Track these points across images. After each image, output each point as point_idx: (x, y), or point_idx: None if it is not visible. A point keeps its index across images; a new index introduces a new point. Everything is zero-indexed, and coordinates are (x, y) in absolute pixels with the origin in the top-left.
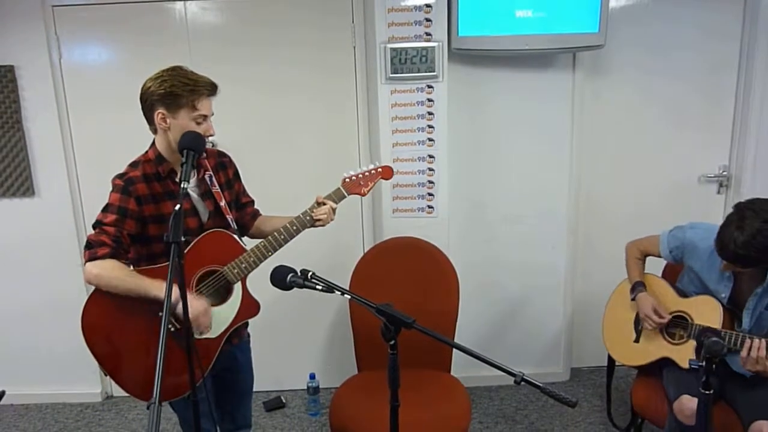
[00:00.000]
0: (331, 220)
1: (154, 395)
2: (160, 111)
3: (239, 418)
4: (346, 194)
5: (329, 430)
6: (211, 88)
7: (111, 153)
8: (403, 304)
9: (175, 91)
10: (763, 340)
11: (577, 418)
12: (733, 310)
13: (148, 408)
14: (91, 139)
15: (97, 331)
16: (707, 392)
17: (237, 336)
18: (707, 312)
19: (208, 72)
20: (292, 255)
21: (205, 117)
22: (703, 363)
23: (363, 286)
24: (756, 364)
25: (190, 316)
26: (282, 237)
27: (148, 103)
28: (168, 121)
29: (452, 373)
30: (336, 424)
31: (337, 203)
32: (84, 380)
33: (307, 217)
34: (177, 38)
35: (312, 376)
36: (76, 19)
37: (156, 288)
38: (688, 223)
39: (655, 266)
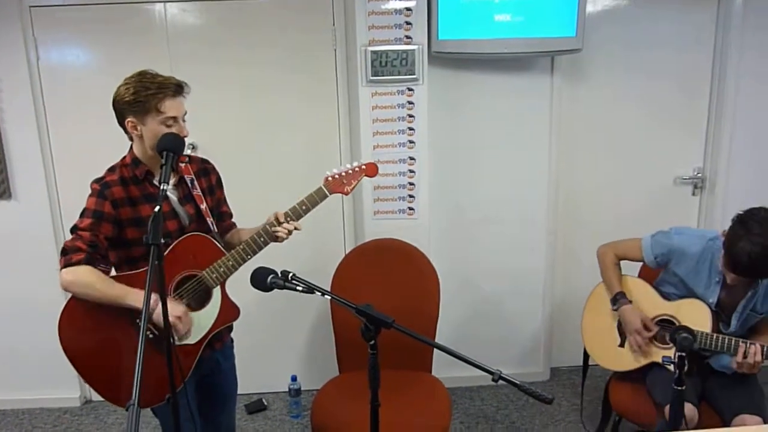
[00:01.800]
0: (290, 235)
1: (134, 397)
2: (129, 119)
3: (223, 424)
4: (328, 193)
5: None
6: (176, 89)
7: (89, 155)
8: (384, 306)
9: (138, 98)
10: (758, 345)
11: (556, 416)
12: (718, 313)
13: (127, 409)
14: (69, 141)
15: (74, 336)
16: (680, 388)
17: (219, 340)
18: (696, 315)
19: (188, 74)
20: (274, 257)
21: (174, 119)
22: (676, 359)
23: (344, 287)
24: (752, 368)
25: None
26: (262, 240)
27: (118, 111)
28: (138, 128)
29: (433, 373)
30: (317, 426)
31: (299, 217)
32: (62, 384)
33: (271, 229)
34: (156, 40)
35: (293, 378)
36: (54, 21)
37: (130, 296)
38: (672, 228)
39: (631, 267)
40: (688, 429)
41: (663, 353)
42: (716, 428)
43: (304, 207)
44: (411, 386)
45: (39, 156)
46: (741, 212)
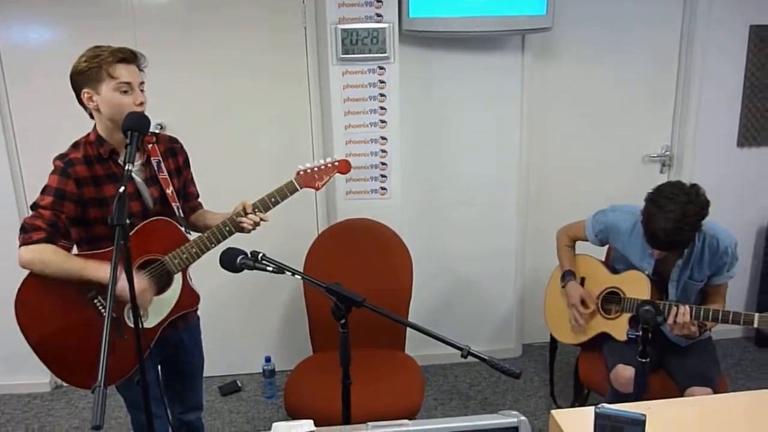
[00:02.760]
0: (257, 227)
1: (99, 379)
2: (84, 90)
3: (189, 399)
4: (298, 187)
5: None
6: (130, 56)
7: (53, 137)
8: (357, 285)
9: (91, 65)
10: (687, 306)
11: (528, 391)
12: (659, 282)
13: (92, 392)
14: (32, 123)
15: (30, 317)
16: (644, 360)
17: (183, 320)
18: (636, 286)
19: (156, 57)
20: (245, 238)
21: (128, 84)
22: (640, 332)
23: (317, 268)
24: (683, 328)
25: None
26: (227, 229)
27: (75, 84)
28: (95, 98)
29: (406, 352)
30: (290, 406)
31: (268, 209)
32: (31, 370)
33: (237, 219)
34: (121, 20)
35: (267, 359)
36: (14, 1)
37: (92, 269)
38: (609, 206)
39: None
40: (624, 390)
41: (610, 324)
42: (665, 398)
43: (273, 200)
44: (384, 364)
45: (2, 137)
46: (651, 191)
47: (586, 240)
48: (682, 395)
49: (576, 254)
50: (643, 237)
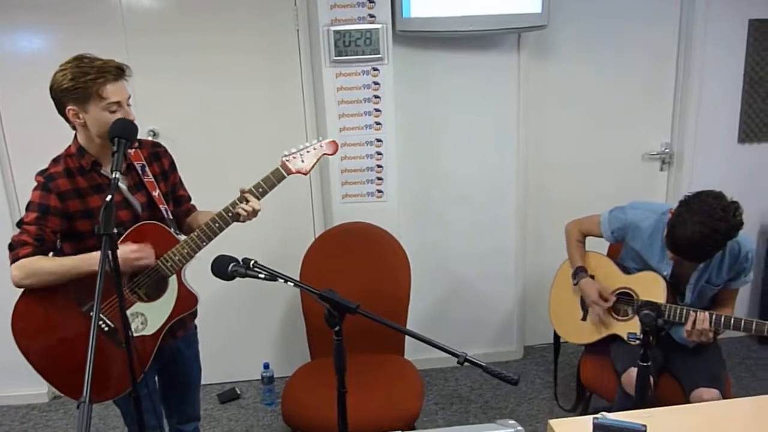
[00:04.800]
0: (253, 217)
1: (84, 394)
2: (70, 107)
3: (187, 410)
4: (285, 174)
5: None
6: (117, 72)
7: (45, 146)
8: (354, 289)
9: (77, 85)
10: (706, 313)
11: (530, 394)
12: (675, 285)
13: (77, 408)
14: (23, 132)
15: (29, 333)
16: (645, 364)
17: (182, 328)
18: (651, 288)
19: (147, 62)
20: (241, 244)
21: (118, 103)
22: (641, 336)
23: (314, 272)
24: (700, 335)
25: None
26: (216, 225)
27: (57, 100)
28: (81, 116)
29: (406, 356)
30: (288, 413)
31: (260, 198)
32: (29, 381)
33: (234, 209)
34: (112, 26)
35: (266, 366)
36: (3, 7)
37: (86, 263)
38: (628, 203)
39: (600, 244)
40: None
41: (621, 325)
42: (673, 405)
43: (260, 189)
44: (382, 369)
45: None
46: (689, 194)
47: (600, 236)
48: (688, 397)
49: (586, 251)
50: (663, 238)
